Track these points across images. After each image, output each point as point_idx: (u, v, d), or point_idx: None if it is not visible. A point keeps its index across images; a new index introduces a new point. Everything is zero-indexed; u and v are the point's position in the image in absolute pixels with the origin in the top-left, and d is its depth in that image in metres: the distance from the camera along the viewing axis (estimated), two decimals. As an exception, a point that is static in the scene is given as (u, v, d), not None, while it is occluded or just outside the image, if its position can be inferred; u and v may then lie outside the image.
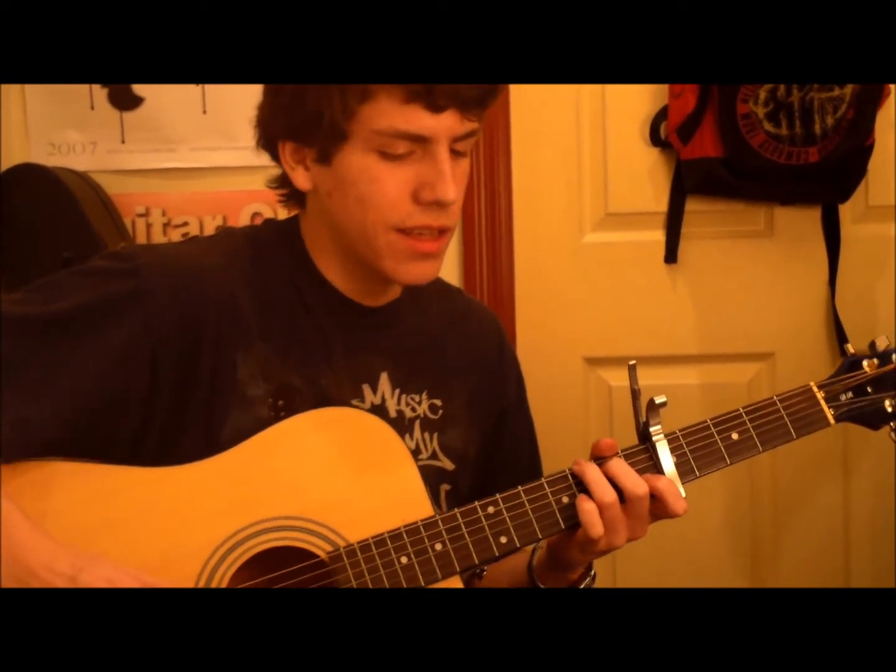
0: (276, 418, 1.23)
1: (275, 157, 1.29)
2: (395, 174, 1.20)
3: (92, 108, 2.10)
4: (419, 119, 1.17)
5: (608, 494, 1.20)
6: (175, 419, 1.20)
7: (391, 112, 1.17)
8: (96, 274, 1.21)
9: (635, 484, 1.21)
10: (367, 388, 1.31)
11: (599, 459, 1.25)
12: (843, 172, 2.05)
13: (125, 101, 2.10)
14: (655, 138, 2.15)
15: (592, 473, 1.21)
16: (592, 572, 1.32)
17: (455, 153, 1.22)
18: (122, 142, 2.12)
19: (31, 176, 2.02)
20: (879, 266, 2.18)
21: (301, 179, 1.27)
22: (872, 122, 2.01)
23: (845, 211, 2.14)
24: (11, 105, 2.09)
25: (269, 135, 1.28)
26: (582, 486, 1.22)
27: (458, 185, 1.22)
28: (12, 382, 1.11)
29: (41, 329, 1.15)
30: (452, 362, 1.40)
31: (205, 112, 2.10)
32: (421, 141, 1.19)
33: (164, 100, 2.09)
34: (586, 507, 1.20)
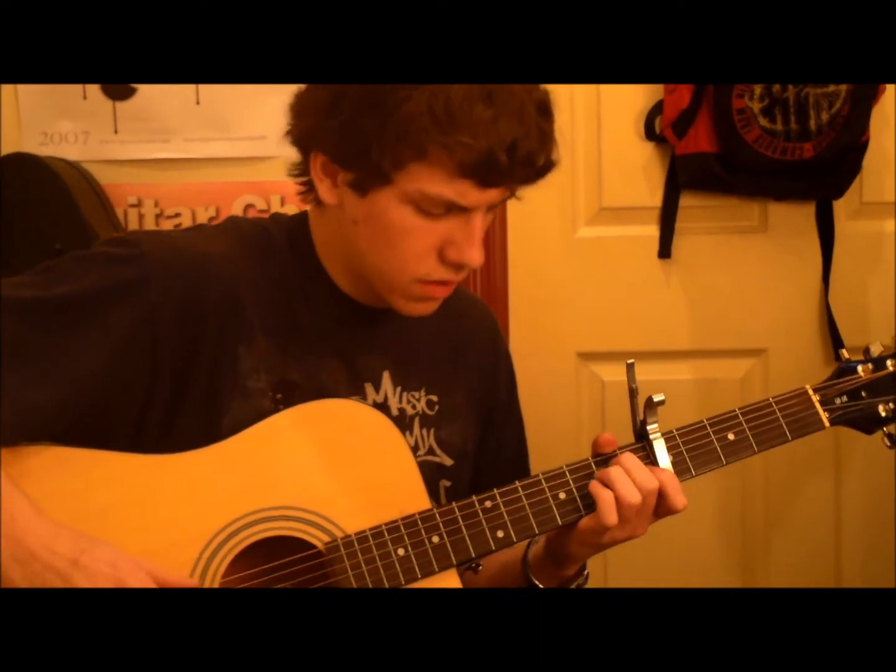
0: (276, 411, 1.23)
1: (305, 158, 1.26)
2: (428, 229, 1.19)
3: (84, 97, 2.09)
4: (467, 193, 1.16)
5: (634, 496, 1.20)
6: (176, 408, 1.20)
7: (441, 181, 1.15)
8: (100, 259, 1.20)
9: (647, 478, 1.22)
10: (369, 388, 1.32)
11: (600, 456, 1.26)
12: (837, 168, 2.05)
13: (118, 92, 2.09)
14: (650, 133, 2.15)
15: (619, 477, 1.21)
16: (586, 572, 1.33)
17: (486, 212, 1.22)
18: (115, 132, 2.11)
19: (22, 165, 2.02)
20: (873, 262, 2.18)
21: (328, 194, 1.24)
22: (867, 118, 2.01)
23: (839, 207, 2.14)
24: (4, 94, 2.08)
25: (307, 144, 1.24)
26: (578, 484, 1.23)
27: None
28: (15, 366, 1.11)
29: (44, 313, 1.15)
30: (450, 358, 1.40)
31: (198, 103, 2.09)
32: (460, 208, 1.18)
33: (157, 90, 2.08)
34: (605, 496, 1.21)
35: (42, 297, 1.15)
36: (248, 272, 1.26)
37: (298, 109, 1.24)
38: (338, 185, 1.22)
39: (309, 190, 1.29)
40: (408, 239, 1.19)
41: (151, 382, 1.19)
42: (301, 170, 1.28)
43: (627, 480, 1.21)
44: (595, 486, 1.22)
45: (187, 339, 1.20)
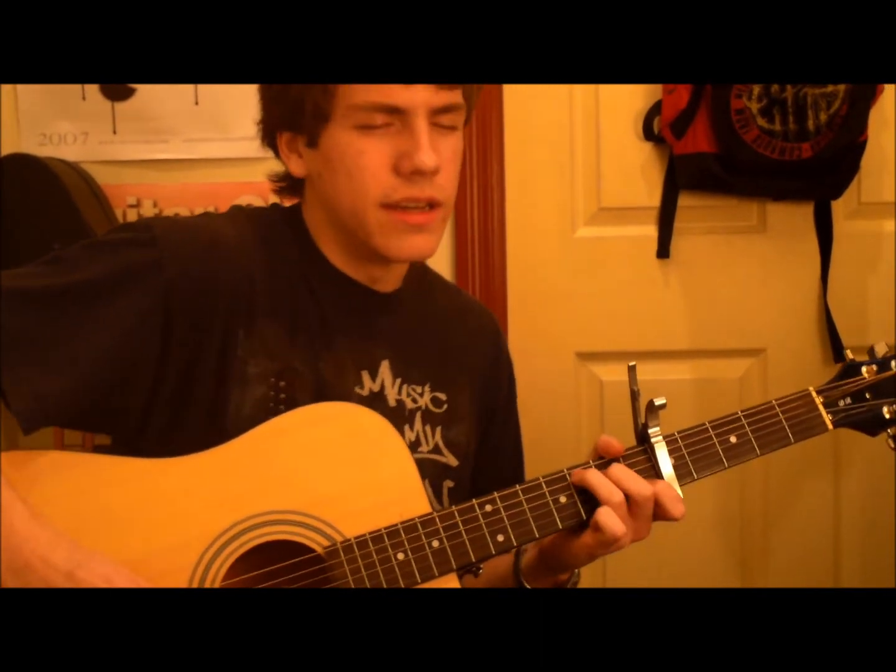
0: (276, 398, 1.24)
1: (275, 151, 1.33)
2: (376, 146, 1.22)
3: (84, 98, 2.10)
4: (392, 91, 1.19)
5: (616, 495, 1.20)
6: (183, 391, 1.20)
7: (365, 87, 1.19)
8: (112, 245, 1.21)
9: (641, 486, 1.21)
10: (366, 375, 1.31)
11: (601, 460, 1.25)
12: (835, 169, 2.05)
13: (117, 92, 2.09)
14: (649, 133, 2.15)
15: (595, 478, 1.20)
16: (577, 571, 1.33)
17: (440, 126, 1.24)
18: (114, 132, 2.11)
19: (21, 166, 2.01)
20: (871, 262, 2.18)
21: (296, 167, 1.30)
22: (865, 118, 2.01)
23: (838, 207, 2.15)
24: (3, 95, 2.08)
25: (268, 127, 1.32)
26: (579, 487, 1.22)
27: (446, 158, 1.24)
28: (30, 354, 1.11)
29: (58, 300, 1.15)
30: (455, 357, 1.40)
31: (197, 103, 2.10)
32: (398, 113, 1.21)
33: (156, 91, 2.08)
34: (606, 519, 1.19)
35: (55, 284, 1.15)
36: (255, 257, 1.27)
37: (259, 110, 1.32)
38: (301, 155, 1.29)
39: (285, 188, 1.36)
40: (360, 161, 1.23)
41: (161, 364, 1.19)
42: (278, 173, 1.37)
43: (608, 483, 1.20)
44: (600, 511, 1.19)
45: (197, 320, 1.20)
